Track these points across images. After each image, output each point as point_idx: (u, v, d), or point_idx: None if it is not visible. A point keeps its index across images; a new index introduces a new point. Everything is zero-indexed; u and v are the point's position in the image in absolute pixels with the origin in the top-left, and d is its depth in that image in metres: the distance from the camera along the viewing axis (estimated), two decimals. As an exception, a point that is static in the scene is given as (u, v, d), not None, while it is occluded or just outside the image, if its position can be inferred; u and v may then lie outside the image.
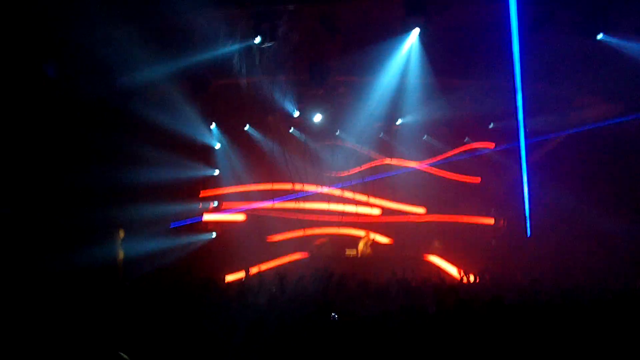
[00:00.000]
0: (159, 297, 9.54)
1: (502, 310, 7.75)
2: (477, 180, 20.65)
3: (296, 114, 19.05)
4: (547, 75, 15.40)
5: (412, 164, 20.89)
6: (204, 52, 14.57)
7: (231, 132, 20.27)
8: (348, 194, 21.00)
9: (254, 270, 15.45)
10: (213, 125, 19.67)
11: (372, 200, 21.04)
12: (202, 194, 20.08)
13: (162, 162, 16.36)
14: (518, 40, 14.05)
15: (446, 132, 20.46)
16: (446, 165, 20.81)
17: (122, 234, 16.12)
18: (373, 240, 20.02)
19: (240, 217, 20.36)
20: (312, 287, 11.46)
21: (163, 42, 14.04)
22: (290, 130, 20.54)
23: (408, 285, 11.19)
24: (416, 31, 14.64)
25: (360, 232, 20.23)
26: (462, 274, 15.34)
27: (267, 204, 20.41)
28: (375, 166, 21.08)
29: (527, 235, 17.10)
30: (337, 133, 20.64)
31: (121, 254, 15.95)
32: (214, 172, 20.33)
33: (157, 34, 13.81)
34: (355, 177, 20.78)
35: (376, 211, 21.03)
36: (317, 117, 19.72)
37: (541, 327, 6.98)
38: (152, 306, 8.57)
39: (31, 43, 12.84)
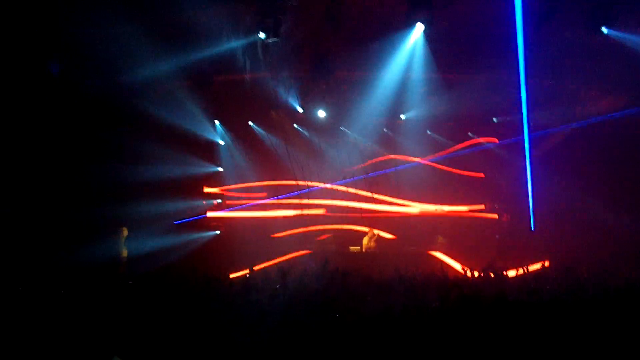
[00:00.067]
0: (163, 294, 9.54)
1: (505, 306, 7.73)
2: (481, 175, 20.58)
3: (300, 109, 19.03)
4: (551, 69, 15.38)
5: (416, 159, 20.83)
6: (207, 48, 14.57)
7: (235, 128, 20.27)
8: (352, 190, 20.96)
9: (257, 267, 15.44)
10: (217, 122, 19.65)
11: (376, 195, 20.99)
12: (206, 191, 20.07)
13: (165, 159, 16.37)
14: (522, 34, 14.00)
15: (450, 127, 20.40)
16: (450, 160, 20.74)
17: (125, 231, 16.15)
18: (378, 234, 19.99)
19: (243, 214, 20.35)
20: (315, 284, 11.45)
21: (167, 39, 14.05)
22: (294, 126, 20.50)
23: (411, 281, 11.16)
24: (420, 26, 14.61)
25: (364, 228, 20.20)
26: (466, 269, 15.31)
27: (271, 200, 20.39)
28: (379, 161, 21.02)
29: (531, 229, 17.06)
30: (341, 128, 20.59)
31: (125, 252, 15.99)
32: (218, 168, 20.32)
33: (161, 31, 13.81)
34: (359, 172, 20.73)
35: (379, 207, 20.98)
36: (321, 113, 19.71)
37: (545, 323, 6.96)
38: (156, 304, 8.57)
39: (35, 41, 12.86)
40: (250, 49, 14.78)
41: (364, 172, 20.63)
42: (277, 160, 20.31)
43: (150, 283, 11.35)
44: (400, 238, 20.15)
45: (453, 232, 19.67)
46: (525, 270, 14.58)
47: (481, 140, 20.50)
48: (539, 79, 15.69)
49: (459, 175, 20.60)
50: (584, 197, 17.35)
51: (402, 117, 19.83)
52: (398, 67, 16.20)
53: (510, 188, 19.25)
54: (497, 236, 19.70)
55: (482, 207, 20.24)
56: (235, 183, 20.71)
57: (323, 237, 20.42)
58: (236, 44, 14.59)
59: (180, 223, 17.78)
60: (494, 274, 12.92)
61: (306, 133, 20.57)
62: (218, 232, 19.67)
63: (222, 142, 20.25)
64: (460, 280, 12.06)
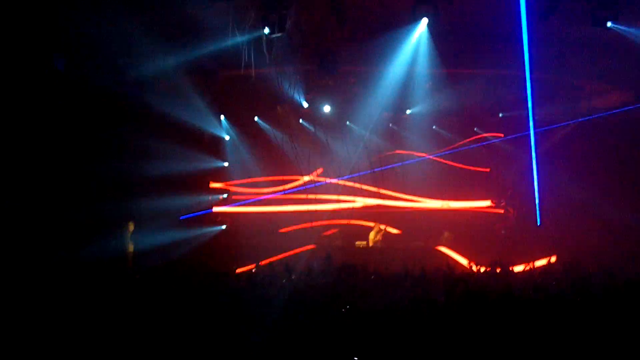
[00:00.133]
0: (169, 289, 9.56)
1: (511, 301, 7.74)
2: (487, 170, 20.57)
3: (305, 104, 19.04)
4: (557, 63, 15.34)
5: (422, 155, 20.81)
6: (212, 43, 14.57)
7: (240, 123, 20.28)
8: (358, 185, 20.95)
9: (263, 262, 15.46)
10: (222, 117, 19.66)
11: (382, 190, 20.99)
12: (212, 186, 20.10)
13: (171, 154, 16.38)
14: (527, 29, 13.98)
15: (455, 122, 20.39)
16: (456, 155, 20.72)
17: (132, 226, 16.17)
18: (384, 229, 20.00)
19: (249, 209, 20.37)
20: (322, 278, 11.47)
21: (172, 34, 14.07)
22: (300, 121, 20.51)
23: (418, 276, 11.17)
24: (425, 20, 14.59)
25: (370, 223, 20.20)
26: (472, 264, 15.31)
27: (277, 195, 20.42)
28: (385, 156, 20.99)
29: (537, 225, 17.05)
30: (347, 123, 20.59)
31: (131, 247, 16.01)
32: (224, 164, 20.34)
33: (166, 26, 13.83)
34: (364, 167, 20.71)
35: (386, 202, 20.98)
36: (327, 108, 19.71)
37: (551, 319, 6.96)
38: (163, 299, 8.59)
39: (41, 36, 12.87)
40: (255, 44, 14.76)
41: (369, 167, 20.60)
42: (282, 155, 20.30)
43: (157, 278, 11.37)
44: (407, 233, 20.14)
45: (459, 227, 19.65)
46: (532, 266, 14.59)
47: (487, 135, 20.48)
48: (544, 74, 15.66)
49: (465, 170, 20.59)
50: (589, 192, 17.33)
51: (408, 112, 19.83)
52: (403, 62, 16.19)
53: (516, 183, 19.24)
54: (503, 231, 19.70)
55: (488, 202, 20.22)
56: (241, 178, 20.73)
57: (329, 232, 20.43)
58: (241, 39, 14.58)
59: (186, 218, 17.80)
60: (500, 269, 12.93)
61: (312, 128, 20.56)
62: (224, 227, 19.69)
63: (227, 137, 20.25)
64: (466, 276, 12.07)
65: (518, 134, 18.12)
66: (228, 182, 20.70)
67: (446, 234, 19.60)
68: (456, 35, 14.95)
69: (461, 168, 20.69)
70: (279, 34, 14.07)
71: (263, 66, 15.46)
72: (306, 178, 20.42)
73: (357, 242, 19.57)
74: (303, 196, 20.34)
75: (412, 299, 7.89)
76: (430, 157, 20.72)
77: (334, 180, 20.72)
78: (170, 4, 13.47)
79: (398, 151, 20.99)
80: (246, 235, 19.08)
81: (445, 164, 20.53)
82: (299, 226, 20.08)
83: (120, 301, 8.55)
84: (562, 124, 18.16)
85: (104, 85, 14.16)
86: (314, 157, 20.26)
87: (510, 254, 15.68)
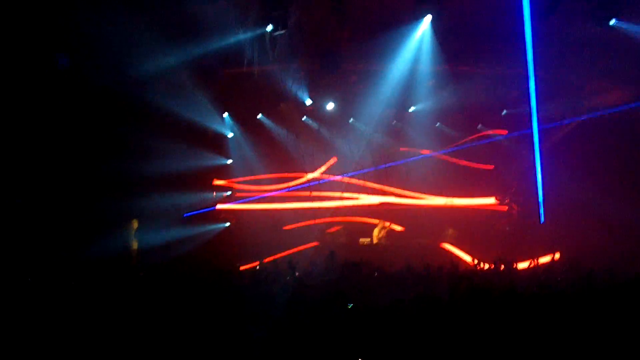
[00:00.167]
0: (173, 286, 9.58)
1: (515, 298, 7.74)
2: (490, 167, 20.56)
3: (308, 102, 19.04)
4: (560, 61, 15.33)
5: (426, 152, 20.80)
6: (215, 41, 14.57)
7: (244, 121, 20.28)
8: (361, 182, 20.96)
9: (267, 259, 15.49)
10: (225, 114, 19.67)
11: (386, 187, 21.00)
12: (215, 183, 20.12)
13: (175, 152, 16.39)
14: (530, 27, 13.97)
15: (459, 119, 20.36)
16: (459, 152, 20.71)
17: (136, 224, 16.19)
18: (389, 226, 20.00)
19: (253, 206, 20.39)
20: (326, 275, 11.49)
21: (175, 31, 14.06)
22: (303, 119, 20.51)
23: (422, 273, 11.19)
24: (428, 18, 14.59)
25: (375, 221, 20.21)
26: (476, 261, 15.32)
27: (280, 192, 20.44)
28: (389, 154, 20.98)
29: (540, 222, 17.05)
30: (350, 121, 20.59)
31: (135, 245, 16.03)
32: (227, 161, 20.35)
33: (169, 24, 13.82)
34: (368, 164, 20.71)
35: (389, 199, 20.98)
36: (330, 105, 19.73)
37: (555, 316, 6.96)
38: (166, 296, 8.61)
39: (43, 35, 12.88)
40: (258, 42, 14.77)
41: (373, 165, 20.60)
42: (286, 152, 20.32)
43: (160, 275, 11.40)
44: (410, 230, 20.15)
45: (463, 225, 19.67)
46: (535, 263, 14.60)
47: (490, 132, 20.47)
48: (546, 72, 15.65)
49: (469, 167, 20.58)
50: (593, 189, 17.31)
51: (411, 109, 19.83)
52: (406, 59, 16.22)
53: (519, 180, 19.22)
54: (507, 228, 19.70)
55: (491, 199, 20.21)
56: (245, 175, 20.74)
57: (333, 229, 20.45)
58: (244, 36, 14.59)
59: (190, 216, 17.83)
60: (503, 266, 12.94)
61: (315, 125, 20.57)
62: (228, 224, 19.71)
63: (231, 135, 20.26)
64: (470, 273, 12.08)
65: (521, 131, 18.13)
66: (231, 180, 20.69)
67: (450, 231, 19.63)
68: (459, 33, 14.95)
69: (465, 165, 20.68)
70: (281, 31, 14.09)
71: (266, 63, 15.48)
72: (310, 175, 20.44)
73: (361, 240, 19.59)
74: (306, 193, 20.37)
75: (416, 296, 7.89)
76: (434, 154, 20.71)
77: (337, 178, 20.72)
78: (172, 1, 13.49)
79: (402, 149, 20.97)
80: (250, 232, 19.09)
81: (449, 161, 20.51)
82: (303, 223, 20.10)
83: (124, 298, 8.57)
84: (564, 122, 18.16)
85: (107, 83, 14.17)
86: (318, 155, 20.27)
87: (513, 252, 15.69)
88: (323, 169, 20.88)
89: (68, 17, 12.73)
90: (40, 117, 13.42)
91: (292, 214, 20.35)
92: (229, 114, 19.88)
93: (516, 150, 19.35)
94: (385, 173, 20.73)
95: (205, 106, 17.47)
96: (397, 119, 20.72)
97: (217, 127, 19.11)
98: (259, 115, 20.33)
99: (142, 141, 15.31)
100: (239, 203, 20.47)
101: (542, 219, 16.98)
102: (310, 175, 20.48)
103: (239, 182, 20.79)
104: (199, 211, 18.22)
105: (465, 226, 19.61)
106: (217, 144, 19.73)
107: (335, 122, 20.46)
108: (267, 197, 20.53)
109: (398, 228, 20.38)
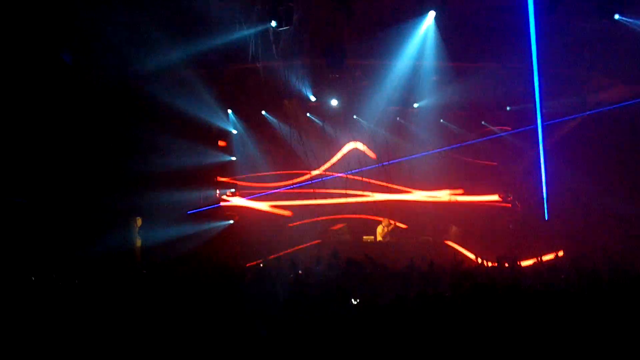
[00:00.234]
0: (177, 284, 9.57)
1: (519, 295, 7.72)
2: (494, 163, 20.51)
3: (312, 98, 19.02)
4: (564, 57, 15.29)
5: (430, 148, 20.73)
6: (219, 37, 14.55)
7: (247, 117, 20.26)
8: (365, 179, 20.91)
9: (271, 256, 15.46)
10: (229, 111, 19.65)
11: (390, 184, 20.95)
12: (219, 180, 20.10)
13: (178, 149, 16.38)
14: (534, 22, 13.94)
15: (463, 116, 20.31)
16: (463, 149, 20.65)
17: (139, 221, 16.19)
18: (394, 224, 19.95)
19: (257, 203, 20.37)
20: (329, 273, 11.46)
21: (179, 28, 14.05)
22: (307, 115, 20.49)
23: (425, 271, 11.16)
24: (432, 14, 14.56)
25: (379, 218, 20.15)
26: (479, 259, 15.28)
27: (284, 189, 20.42)
28: (393, 150, 20.92)
29: (544, 219, 17.01)
30: (354, 117, 20.56)
31: (139, 242, 16.03)
32: (231, 158, 20.33)
33: (173, 19, 13.82)
34: (372, 161, 20.66)
35: (393, 196, 20.93)
36: (334, 102, 19.70)
37: (559, 313, 6.94)
38: (170, 293, 8.60)
39: (47, 31, 12.87)
40: (262, 38, 14.76)
41: (377, 161, 20.56)
42: (290, 149, 20.29)
43: (164, 273, 11.39)
44: (414, 228, 20.10)
45: (467, 222, 19.62)
46: (539, 260, 14.55)
47: (494, 128, 20.41)
48: (551, 68, 15.61)
49: (473, 164, 20.52)
50: (597, 185, 17.29)
51: (415, 105, 19.79)
52: (410, 55, 16.22)
53: (523, 177, 19.17)
54: (510, 225, 19.65)
55: (495, 196, 20.15)
56: (249, 172, 20.71)
57: (337, 226, 20.41)
58: (248, 32, 14.58)
59: (194, 213, 17.82)
60: (508, 263, 12.90)
61: (319, 122, 20.54)
62: (232, 221, 19.70)
63: (235, 132, 20.24)
64: (474, 270, 12.04)
65: (526, 128, 18.08)
66: (235, 177, 20.67)
67: (454, 228, 19.58)
68: (463, 29, 14.93)
69: (469, 162, 20.62)
70: (286, 27, 14.07)
71: (270, 60, 15.46)
72: (314, 172, 20.42)
73: (365, 237, 19.54)
74: (310, 190, 20.34)
75: (419, 294, 7.87)
76: (438, 151, 20.64)
77: (341, 175, 20.68)
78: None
79: (406, 145, 20.89)
80: (254, 229, 19.08)
81: (453, 157, 20.45)
82: (307, 220, 20.07)
83: (127, 296, 8.56)
84: (569, 118, 18.09)
85: (111, 80, 14.17)
86: (322, 151, 20.26)
87: (517, 248, 15.65)
88: (327, 165, 20.85)
89: (71, 14, 12.73)
90: (44, 114, 13.43)
91: (297, 211, 20.31)
92: (233, 111, 19.86)
93: (520, 146, 19.31)
94: (389, 170, 20.69)
95: (209, 103, 17.46)
96: (401, 115, 20.68)
97: (221, 123, 19.09)
98: (263, 112, 20.31)
99: (146, 138, 15.31)
100: (243, 200, 20.44)
101: (546, 216, 16.94)
102: (314, 172, 20.45)
103: (242, 179, 20.76)
104: (202, 208, 18.20)
105: (469, 223, 19.56)
106: (221, 140, 19.72)
107: (339, 118, 20.43)
108: (271, 194, 20.49)
109: (402, 225, 20.32)
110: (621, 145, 17.58)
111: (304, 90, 18.33)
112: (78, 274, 10.41)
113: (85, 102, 14.13)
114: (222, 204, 19.74)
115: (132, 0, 12.79)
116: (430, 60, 16.16)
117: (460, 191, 20.46)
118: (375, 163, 20.45)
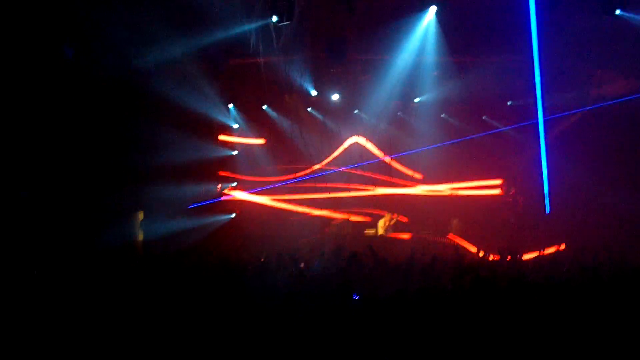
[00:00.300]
0: (179, 278, 9.59)
1: (521, 288, 7.74)
2: (496, 158, 20.50)
3: (314, 93, 19.03)
4: (565, 51, 15.29)
5: (431, 143, 20.73)
6: (221, 31, 14.55)
7: (249, 112, 20.27)
8: (367, 173, 20.93)
9: (272, 250, 15.49)
10: (231, 106, 19.66)
11: (391, 179, 20.97)
12: (221, 174, 20.11)
13: (179, 143, 16.38)
14: (535, 17, 13.94)
15: (464, 110, 20.32)
16: (465, 143, 20.64)
17: (141, 215, 16.21)
18: (396, 218, 19.97)
19: (259, 197, 20.38)
20: (331, 267, 11.49)
21: (180, 22, 14.04)
22: (308, 110, 20.49)
23: (427, 264, 11.18)
24: (433, 8, 14.57)
25: (380, 211, 20.19)
26: (481, 252, 15.31)
27: (286, 183, 20.43)
28: (394, 145, 20.93)
29: (546, 212, 17.03)
30: (355, 112, 20.57)
31: (141, 235, 16.04)
32: (232, 152, 20.35)
33: (175, 14, 13.81)
34: (373, 156, 20.70)
35: (395, 190, 20.94)
36: (335, 96, 19.71)
37: (561, 306, 6.96)
38: (171, 287, 8.61)
39: (50, 25, 12.86)
40: (264, 32, 14.75)
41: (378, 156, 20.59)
42: (291, 143, 20.31)
43: (166, 266, 11.40)
44: (416, 221, 20.13)
45: (468, 216, 19.64)
46: (541, 254, 14.59)
47: (496, 123, 20.41)
48: (552, 62, 15.61)
49: (474, 158, 20.50)
50: (598, 179, 17.30)
51: (416, 100, 19.79)
52: (411, 50, 16.22)
53: (525, 171, 19.18)
54: (512, 219, 19.67)
55: (497, 190, 20.16)
56: (250, 167, 20.72)
57: (338, 220, 20.43)
58: (249, 27, 14.58)
59: (195, 207, 17.83)
60: (509, 257, 12.94)
61: (320, 116, 20.56)
62: (233, 215, 19.72)
63: (236, 126, 20.25)
64: (476, 263, 12.06)
65: (527, 122, 18.08)
66: (237, 171, 20.68)
67: (455, 222, 19.60)
68: (464, 23, 14.93)
69: (470, 156, 20.61)
70: (287, 22, 14.06)
71: (271, 54, 15.46)
72: (315, 166, 20.44)
73: (366, 231, 19.57)
74: (311, 184, 20.37)
75: (421, 287, 7.89)
76: (440, 145, 20.64)
77: (342, 169, 20.71)
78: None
79: (407, 139, 20.88)
80: (255, 223, 19.11)
81: (454, 152, 20.44)
82: (308, 214, 20.10)
83: (129, 289, 8.57)
84: (570, 112, 18.09)
85: (113, 74, 14.16)
86: (323, 146, 20.28)
87: (519, 242, 15.69)
88: (328, 159, 20.87)
89: (73, 7, 12.72)
90: (46, 109, 13.41)
91: (298, 205, 20.34)
92: (234, 105, 19.86)
93: (522, 141, 19.31)
94: (390, 164, 20.72)
95: (211, 97, 17.46)
96: (402, 109, 20.69)
97: (222, 118, 19.10)
98: (264, 106, 20.31)
99: (147, 132, 15.30)
100: (244, 194, 20.46)
101: (548, 209, 16.96)
102: (315, 167, 20.47)
103: (244, 173, 20.77)
104: (204, 202, 18.21)
105: (471, 217, 19.58)
106: (223, 135, 19.73)
107: (340, 113, 20.44)
108: (273, 188, 20.51)
109: (404, 219, 20.35)
110: (623, 139, 17.58)
111: (305, 85, 18.34)
112: (80, 267, 10.42)
113: (86, 96, 14.12)
114: (223, 198, 19.75)
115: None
116: (431, 54, 16.15)
117: (461, 185, 20.47)
118: (376, 157, 20.47)
